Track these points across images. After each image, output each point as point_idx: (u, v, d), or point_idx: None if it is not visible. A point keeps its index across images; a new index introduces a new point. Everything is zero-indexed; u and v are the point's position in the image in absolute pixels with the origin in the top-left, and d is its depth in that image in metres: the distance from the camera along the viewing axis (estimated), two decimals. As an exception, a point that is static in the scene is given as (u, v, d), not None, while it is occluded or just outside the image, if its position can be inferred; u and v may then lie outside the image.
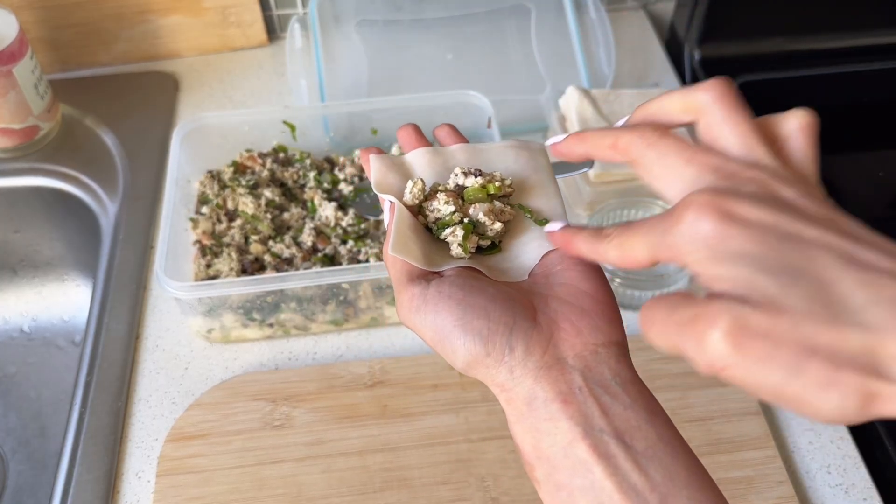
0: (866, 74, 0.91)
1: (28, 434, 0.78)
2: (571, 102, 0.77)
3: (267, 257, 0.67)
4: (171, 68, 0.91)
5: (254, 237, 0.69)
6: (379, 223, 0.70)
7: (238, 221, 0.70)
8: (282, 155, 0.76)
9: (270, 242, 0.68)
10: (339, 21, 0.86)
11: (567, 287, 0.34)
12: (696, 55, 0.90)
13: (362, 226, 0.69)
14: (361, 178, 0.74)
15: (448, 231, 0.36)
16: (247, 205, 0.70)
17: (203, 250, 0.69)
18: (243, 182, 0.72)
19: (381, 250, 0.67)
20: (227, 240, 0.69)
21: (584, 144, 0.34)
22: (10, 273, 0.86)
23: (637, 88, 0.80)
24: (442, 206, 0.37)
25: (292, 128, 0.76)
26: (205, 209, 0.71)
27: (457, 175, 0.38)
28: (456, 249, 0.36)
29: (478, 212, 0.37)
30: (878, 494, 0.59)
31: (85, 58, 0.89)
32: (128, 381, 0.65)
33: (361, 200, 0.72)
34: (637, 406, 0.31)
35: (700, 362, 0.26)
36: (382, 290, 0.65)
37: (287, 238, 0.69)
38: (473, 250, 0.36)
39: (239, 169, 0.74)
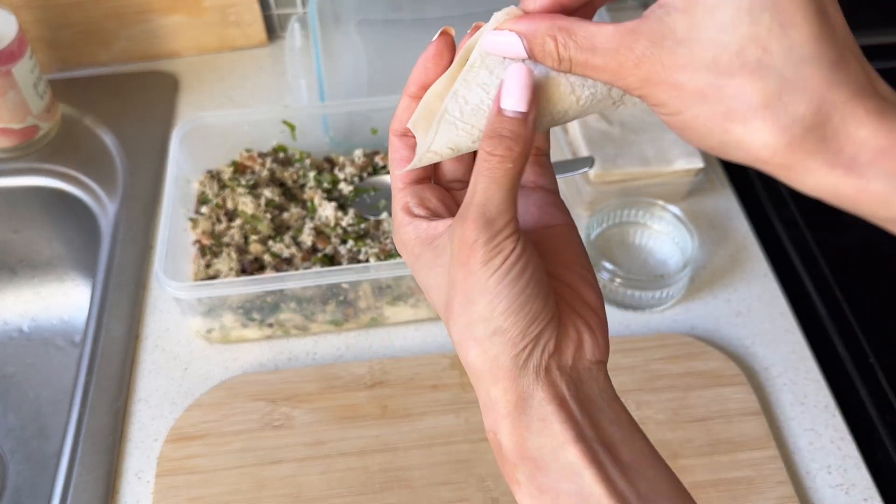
0: (867, 74, 0.91)
1: (27, 434, 0.78)
2: (571, 102, 0.76)
3: (266, 257, 0.67)
4: (171, 68, 0.91)
5: (253, 237, 0.68)
6: (379, 223, 0.70)
7: (238, 221, 0.70)
8: (281, 155, 0.76)
9: (270, 242, 0.68)
10: (339, 20, 0.86)
11: (572, 292, 0.33)
12: (697, 55, 0.90)
13: (362, 226, 0.69)
14: (361, 178, 0.74)
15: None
16: (246, 204, 0.70)
17: (203, 250, 0.69)
18: (243, 182, 0.72)
19: (380, 250, 0.67)
20: (226, 240, 0.69)
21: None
22: (10, 273, 0.86)
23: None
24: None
25: (292, 127, 0.76)
26: (204, 209, 0.71)
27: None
28: None
29: None
30: (878, 495, 0.59)
31: (84, 57, 0.89)
32: (127, 382, 0.65)
33: (361, 200, 0.72)
34: (621, 421, 0.31)
35: None
36: (382, 290, 0.65)
37: (287, 238, 0.68)
38: None
39: (238, 169, 0.74)
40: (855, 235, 0.77)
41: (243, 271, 0.66)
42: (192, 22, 0.89)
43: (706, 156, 0.80)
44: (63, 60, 0.89)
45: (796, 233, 0.74)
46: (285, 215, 0.71)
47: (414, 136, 0.35)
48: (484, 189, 0.30)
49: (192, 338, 0.68)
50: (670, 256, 0.72)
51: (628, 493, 0.29)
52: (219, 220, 0.71)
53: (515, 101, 0.30)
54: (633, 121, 0.77)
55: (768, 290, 0.71)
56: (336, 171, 0.75)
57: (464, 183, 0.36)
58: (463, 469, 0.59)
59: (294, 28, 0.85)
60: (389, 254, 0.67)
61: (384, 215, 0.70)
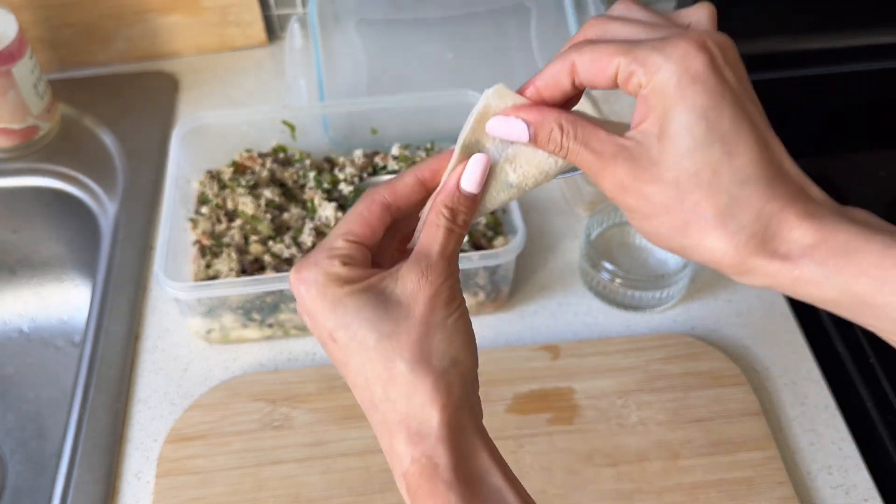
0: (868, 74, 0.91)
1: (27, 435, 0.78)
2: (572, 102, 0.76)
3: (267, 257, 0.67)
4: (171, 68, 0.91)
5: (253, 237, 0.68)
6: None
7: (238, 222, 0.70)
8: (281, 155, 0.76)
9: (270, 243, 0.68)
10: (339, 20, 0.86)
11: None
12: (697, 55, 0.90)
13: (362, 226, 0.69)
14: (361, 179, 0.74)
15: None
16: (246, 205, 0.70)
17: (202, 250, 0.69)
18: (243, 182, 0.72)
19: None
20: (226, 240, 0.69)
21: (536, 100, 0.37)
22: (9, 273, 0.86)
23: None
24: None
25: (292, 128, 0.76)
26: (204, 209, 0.71)
27: None
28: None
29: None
30: (879, 495, 0.59)
31: (84, 57, 0.89)
32: (127, 382, 0.65)
33: (361, 200, 0.72)
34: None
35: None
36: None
37: (287, 238, 0.68)
38: None
39: (238, 169, 0.74)
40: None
41: (243, 272, 0.66)
42: (191, 22, 0.89)
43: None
44: (63, 60, 0.89)
45: (797, 233, 0.74)
46: (285, 216, 0.71)
47: (392, 218, 0.38)
48: (444, 243, 0.36)
49: (192, 338, 0.68)
50: (670, 256, 0.72)
51: None
52: (219, 221, 0.70)
53: (472, 184, 0.37)
54: (634, 121, 0.76)
55: (769, 291, 0.71)
56: (336, 171, 0.74)
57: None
58: (463, 469, 0.59)
59: (294, 28, 0.85)
60: (389, 254, 0.67)
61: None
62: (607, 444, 0.60)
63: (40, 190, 0.81)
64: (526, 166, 0.37)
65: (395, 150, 0.76)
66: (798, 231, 0.33)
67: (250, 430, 0.61)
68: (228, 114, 0.75)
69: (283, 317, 0.66)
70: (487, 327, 0.67)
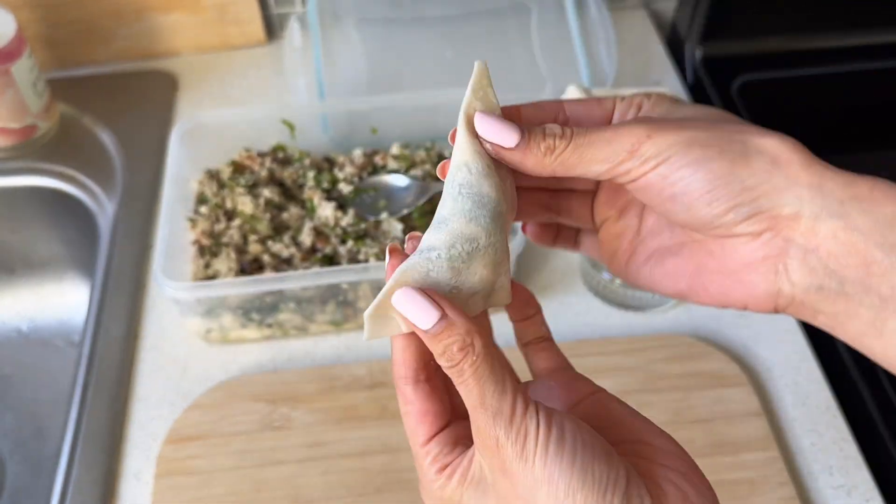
0: (866, 74, 0.91)
1: (26, 435, 0.78)
2: (572, 101, 0.76)
3: (266, 257, 0.67)
4: (170, 67, 0.90)
5: (252, 237, 0.68)
6: (378, 223, 0.70)
7: (237, 221, 0.70)
8: (280, 154, 0.76)
9: (269, 242, 0.68)
10: (339, 19, 0.86)
11: (644, 446, 0.31)
12: (698, 54, 0.90)
13: (362, 226, 0.69)
14: (361, 178, 0.74)
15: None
16: (245, 204, 0.70)
17: (202, 250, 0.68)
18: (242, 181, 0.71)
19: (380, 250, 0.67)
20: (225, 240, 0.68)
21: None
22: (8, 273, 0.85)
23: (638, 87, 0.80)
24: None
25: (291, 127, 0.76)
26: (203, 209, 0.71)
27: None
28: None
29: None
30: (880, 495, 0.58)
31: (83, 56, 0.89)
32: (126, 382, 0.65)
33: (361, 200, 0.72)
34: None
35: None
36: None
37: (286, 238, 0.68)
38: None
39: (237, 168, 0.74)
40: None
41: (242, 271, 0.66)
42: (190, 20, 0.89)
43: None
44: (61, 59, 0.88)
45: (798, 233, 0.74)
46: (284, 215, 0.70)
47: (430, 383, 0.33)
48: (470, 393, 0.29)
49: (191, 338, 0.68)
50: (671, 256, 0.71)
51: None
52: (218, 220, 0.70)
53: (427, 319, 0.30)
54: (634, 120, 0.76)
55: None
56: (335, 170, 0.74)
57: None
58: (463, 470, 0.58)
59: (293, 27, 0.85)
60: (389, 254, 0.67)
61: (384, 215, 0.70)
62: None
63: (39, 189, 0.81)
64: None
65: (394, 150, 0.76)
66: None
67: (250, 430, 0.61)
68: (227, 113, 0.74)
69: (282, 317, 0.66)
70: (488, 327, 0.67)
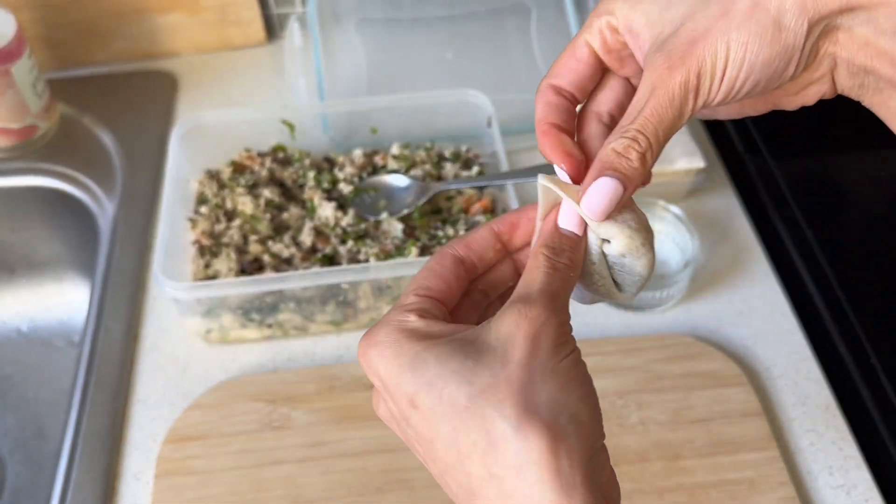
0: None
1: (26, 435, 0.78)
2: (572, 102, 0.76)
3: (266, 257, 0.67)
4: (170, 67, 0.90)
5: (253, 237, 0.68)
6: (378, 223, 0.70)
7: (237, 221, 0.70)
8: (281, 154, 0.76)
9: (269, 242, 0.68)
10: (339, 20, 0.86)
11: None
12: (697, 54, 0.90)
13: (362, 226, 0.69)
14: (361, 178, 0.74)
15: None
16: (246, 204, 0.70)
17: (202, 250, 0.68)
18: (242, 182, 0.72)
19: (380, 250, 0.67)
20: (225, 240, 0.69)
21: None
22: (8, 273, 0.86)
23: (638, 88, 0.80)
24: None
25: (291, 127, 0.76)
26: (203, 209, 0.71)
27: None
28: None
29: None
30: (880, 495, 0.58)
31: (83, 56, 0.89)
32: (126, 382, 0.65)
33: (361, 200, 0.72)
34: None
35: None
36: (382, 290, 0.65)
37: (286, 238, 0.68)
38: None
39: (238, 168, 0.74)
40: (857, 235, 0.77)
41: (242, 271, 0.66)
42: (190, 21, 0.89)
43: (707, 155, 0.80)
44: (61, 60, 0.88)
45: (798, 233, 0.74)
46: (285, 215, 0.70)
47: (467, 273, 0.34)
48: (547, 280, 0.31)
49: (191, 338, 0.68)
50: (671, 256, 0.71)
51: None
52: (218, 220, 0.70)
53: (590, 211, 0.31)
54: (634, 120, 0.76)
55: (769, 291, 0.71)
56: (336, 170, 0.74)
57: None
58: (463, 470, 0.58)
59: (293, 27, 0.85)
60: (389, 254, 0.67)
61: (384, 215, 0.70)
62: (607, 444, 0.60)
63: (39, 189, 0.81)
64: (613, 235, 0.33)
65: (394, 150, 0.76)
66: None
67: (250, 430, 0.61)
68: (228, 113, 0.74)
69: (282, 317, 0.66)
70: (487, 327, 0.67)
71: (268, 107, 0.85)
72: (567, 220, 0.32)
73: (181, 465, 0.59)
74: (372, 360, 0.30)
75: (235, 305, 0.64)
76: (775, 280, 0.72)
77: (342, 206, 0.71)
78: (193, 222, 0.70)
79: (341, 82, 0.84)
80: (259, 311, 0.65)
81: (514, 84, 0.85)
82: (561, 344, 0.29)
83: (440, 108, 0.76)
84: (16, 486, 0.75)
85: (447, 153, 0.76)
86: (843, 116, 0.89)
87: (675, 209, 0.71)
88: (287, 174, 0.74)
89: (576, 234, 0.32)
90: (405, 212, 0.70)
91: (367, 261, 0.66)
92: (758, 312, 0.69)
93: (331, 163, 0.76)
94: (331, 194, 0.72)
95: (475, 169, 0.74)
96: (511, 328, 0.29)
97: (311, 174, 0.73)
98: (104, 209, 0.78)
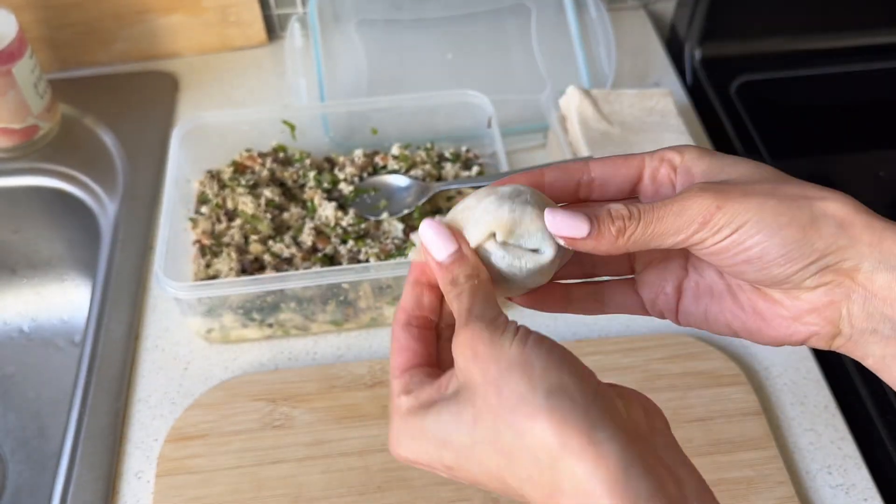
0: (866, 74, 0.91)
1: (27, 434, 0.78)
2: (572, 102, 0.77)
3: (267, 257, 0.67)
4: (171, 68, 0.91)
5: (253, 237, 0.68)
6: (379, 223, 0.70)
7: (238, 221, 0.70)
8: (281, 154, 0.76)
9: (270, 242, 0.68)
10: (339, 20, 0.86)
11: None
12: (697, 55, 0.90)
13: (362, 226, 0.69)
14: (361, 178, 0.74)
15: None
16: (246, 204, 0.70)
17: (203, 250, 0.69)
18: (243, 182, 0.72)
19: (380, 250, 0.67)
20: (226, 240, 0.69)
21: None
22: (9, 273, 0.86)
23: (637, 88, 0.80)
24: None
25: (292, 127, 0.76)
26: (204, 209, 0.71)
27: None
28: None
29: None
30: (878, 495, 0.59)
31: (84, 57, 0.89)
32: (127, 382, 0.65)
33: (361, 200, 0.72)
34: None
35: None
36: (382, 290, 0.65)
37: (287, 238, 0.68)
38: None
39: (238, 168, 0.74)
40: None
41: (243, 271, 0.66)
42: (191, 22, 0.89)
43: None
44: (63, 60, 0.89)
45: (796, 233, 0.74)
46: (285, 215, 0.71)
47: (421, 329, 0.36)
48: (462, 304, 0.33)
49: (192, 338, 0.68)
50: (670, 256, 0.72)
51: None
52: (219, 220, 0.71)
53: (438, 251, 0.34)
54: (633, 121, 0.77)
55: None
56: (336, 171, 0.75)
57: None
58: (463, 469, 0.59)
59: (294, 28, 0.85)
60: (389, 254, 0.67)
61: (384, 215, 0.70)
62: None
63: (41, 189, 0.81)
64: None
65: (395, 150, 0.76)
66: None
67: (250, 429, 0.61)
68: (228, 113, 0.75)
69: (283, 316, 0.66)
70: (487, 327, 0.67)
71: (268, 107, 0.85)
72: (439, 253, 0.34)
73: (182, 465, 0.59)
74: (402, 454, 0.33)
75: (236, 305, 0.64)
76: (774, 280, 0.72)
77: (342, 206, 0.71)
78: (194, 222, 0.70)
79: (342, 83, 0.84)
80: (260, 310, 0.65)
81: (514, 84, 0.86)
82: (496, 339, 0.30)
83: (440, 109, 0.76)
84: (17, 485, 0.75)
85: (447, 153, 0.76)
86: (842, 117, 0.90)
87: (674, 209, 0.71)
88: (288, 174, 0.74)
89: (452, 256, 0.34)
90: (405, 212, 0.70)
91: (367, 261, 0.67)
92: (757, 312, 0.69)
93: (331, 163, 0.76)
94: (331, 194, 0.72)
95: (475, 169, 0.75)
96: (459, 361, 0.31)
97: (312, 174, 0.73)
98: (105, 209, 0.78)
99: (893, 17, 0.92)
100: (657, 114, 0.77)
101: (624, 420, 0.30)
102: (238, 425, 0.61)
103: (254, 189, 0.72)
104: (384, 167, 0.75)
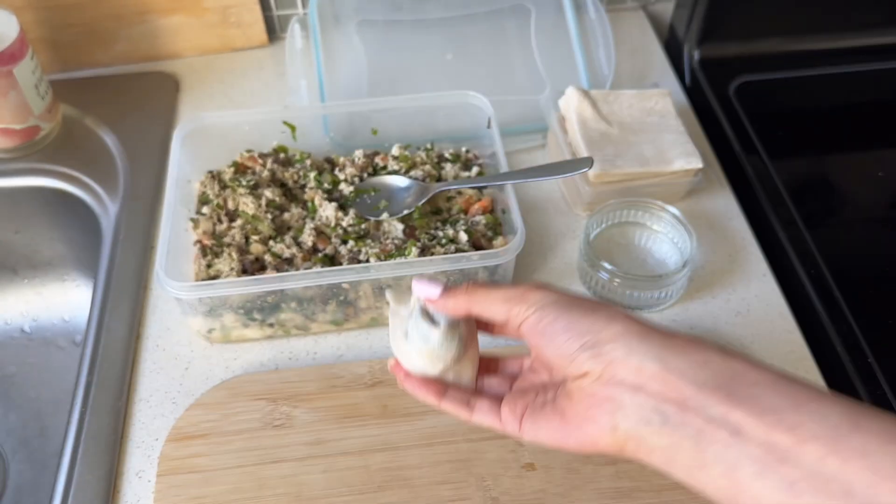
0: (866, 74, 0.91)
1: (28, 434, 0.78)
2: (571, 103, 0.77)
3: (267, 257, 0.67)
4: (172, 68, 0.91)
5: (254, 237, 0.69)
6: (379, 223, 0.70)
7: (238, 222, 0.70)
8: (282, 155, 0.76)
9: (271, 242, 0.69)
10: (339, 21, 0.87)
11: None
12: (696, 55, 0.90)
13: (363, 226, 0.70)
14: (362, 179, 0.74)
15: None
16: (247, 205, 0.70)
17: (203, 250, 0.69)
18: (244, 182, 0.72)
19: (381, 250, 0.67)
20: (227, 240, 0.69)
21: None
22: (11, 273, 0.86)
23: (636, 89, 0.80)
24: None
25: (292, 128, 0.77)
26: (205, 209, 0.71)
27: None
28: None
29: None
30: (876, 494, 0.59)
31: (85, 58, 0.89)
32: (128, 381, 0.65)
33: (362, 201, 0.72)
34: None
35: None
36: (383, 290, 0.65)
37: (287, 238, 0.69)
38: None
39: (239, 169, 0.75)
40: (854, 235, 0.77)
41: (244, 271, 0.67)
42: (192, 23, 0.89)
43: (705, 156, 0.81)
44: (64, 61, 0.89)
45: (795, 233, 0.74)
46: (286, 216, 0.71)
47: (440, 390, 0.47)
48: (469, 299, 0.45)
49: (193, 337, 0.68)
50: (669, 256, 0.72)
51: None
52: (220, 221, 0.71)
53: (436, 290, 0.46)
54: (632, 122, 0.77)
55: (767, 290, 0.71)
56: (336, 171, 0.75)
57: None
58: (463, 468, 0.59)
59: (294, 29, 0.86)
60: (389, 254, 0.67)
61: (384, 216, 0.70)
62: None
63: (42, 190, 0.81)
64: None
65: (395, 151, 0.76)
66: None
67: (251, 428, 0.61)
68: (229, 114, 0.75)
69: (283, 316, 0.66)
70: (487, 327, 0.67)
71: (269, 108, 0.85)
72: (426, 294, 0.46)
73: (183, 464, 0.59)
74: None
75: (237, 305, 0.64)
76: (773, 280, 0.72)
77: (343, 206, 0.71)
78: (195, 222, 0.70)
79: (342, 84, 0.84)
80: (260, 310, 0.65)
81: (513, 85, 0.86)
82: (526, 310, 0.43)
83: (440, 110, 0.76)
84: (18, 484, 0.75)
85: (447, 154, 0.77)
86: (841, 117, 0.90)
87: (673, 209, 0.71)
88: (288, 175, 0.74)
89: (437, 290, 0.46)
90: (405, 212, 0.70)
91: (367, 261, 0.67)
92: (755, 312, 0.70)
93: (332, 163, 0.76)
94: (332, 195, 0.73)
95: (475, 169, 0.75)
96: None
97: (312, 175, 0.74)
98: (107, 209, 0.78)
99: (893, 17, 0.92)
100: (656, 114, 0.78)
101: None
102: (239, 425, 0.61)
103: (254, 189, 0.72)
104: (384, 168, 0.75)
